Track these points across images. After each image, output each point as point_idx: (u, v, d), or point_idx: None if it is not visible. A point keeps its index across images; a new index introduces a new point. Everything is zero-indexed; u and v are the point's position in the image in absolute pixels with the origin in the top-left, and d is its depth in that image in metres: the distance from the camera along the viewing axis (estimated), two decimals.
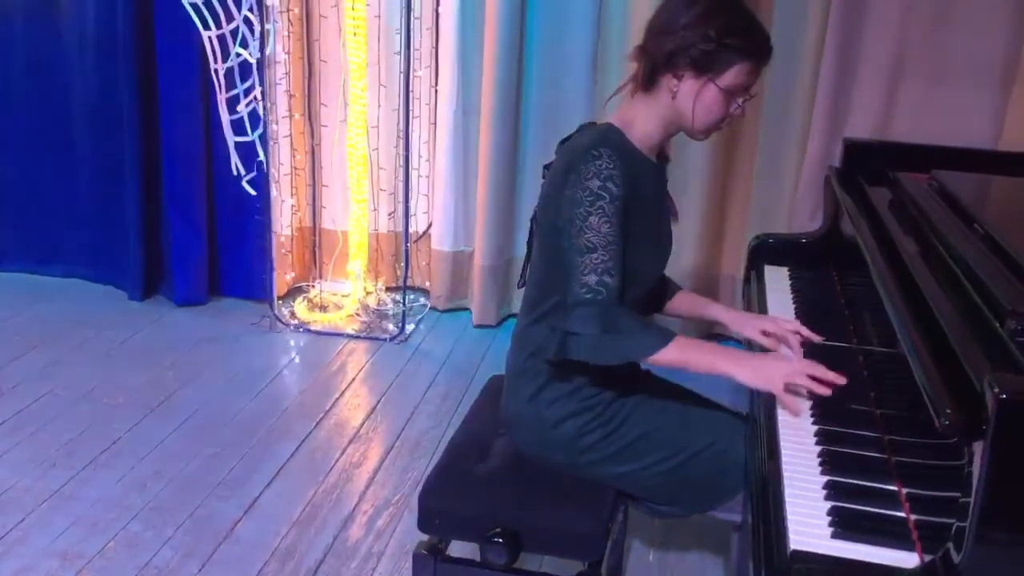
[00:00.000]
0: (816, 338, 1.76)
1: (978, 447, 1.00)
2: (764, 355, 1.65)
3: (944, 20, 3.00)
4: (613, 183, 1.55)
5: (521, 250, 3.72)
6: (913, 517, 1.20)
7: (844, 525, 1.19)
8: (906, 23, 3.04)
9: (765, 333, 1.81)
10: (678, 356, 1.55)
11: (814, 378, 1.50)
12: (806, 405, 1.50)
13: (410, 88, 3.47)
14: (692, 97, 1.62)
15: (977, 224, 1.61)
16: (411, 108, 3.52)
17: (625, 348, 1.55)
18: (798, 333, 1.76)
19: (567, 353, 1.55)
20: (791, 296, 2.10)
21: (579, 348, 1.54)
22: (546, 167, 1.76)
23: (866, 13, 3.06)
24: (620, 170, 1.56)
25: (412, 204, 3.66)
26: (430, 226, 3.87)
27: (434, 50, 3.68)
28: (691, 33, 1.57)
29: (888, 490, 1.26)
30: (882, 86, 3.10)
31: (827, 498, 1.25)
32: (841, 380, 1.48)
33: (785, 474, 1.32)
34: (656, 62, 1.62)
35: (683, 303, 1.99)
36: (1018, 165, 2.21)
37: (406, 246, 3.60)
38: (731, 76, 1.60)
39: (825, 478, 1.30)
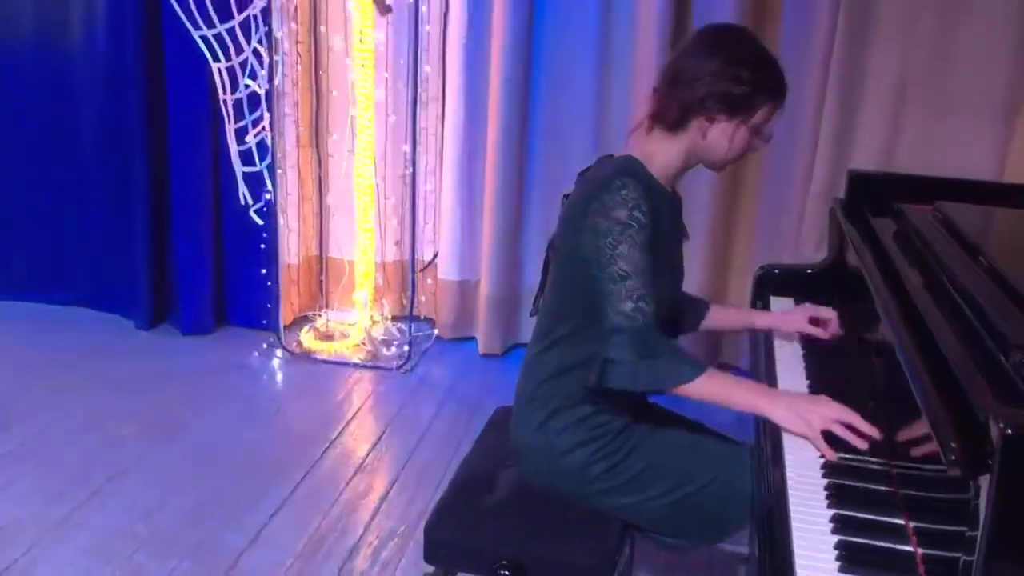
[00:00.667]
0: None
1: (984, 481, 1.00)
2: (801, 396, 1.63)
3: (947, 53, 3.03)
4: (640, 212, 1.59)
5: (527, 280, 3.76)
6: (920, 551, 1.19)
7: (851, 559, 1.18)
8: (909, 55, 3.07)
9: (813, 322, 1.92)
10: (714, 389, 1.57)
11: (849, 427, 1.47)
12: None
13: (417, 119, 3.50)
14: (723, 137, 1.68)
15: (981, 256, 1.61)
16: (418, 138, 3.55)
17: (663, 375, 1.57)
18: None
19: (606, 380, 1.57)
20: None
21: (618, 375, 1.56)
22: (565, 196, 1.79)
23: (869, 45, 3.09)
24: (644, 199, 1.59)
25: (419, 234, 3.68)
26: (436, 256, 3.89)
27: (441, 81, 3.71)
28: (722, 79, 1.63)
29: (895, 524, 1.26)
30: (886, 118, 3.12)
31: (834, 531, 1.25)
32: (876, 434, 1.45)
33: (792, 507, 1.32)
34: (688, 107, 1.66)
35: (722, 316, 2.05)
36: (1022, 197, 2.21)
37: (412, 275, 3.62)
38: (760, 115, 1.68)
39: (832, 511, 1.30)
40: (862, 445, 1.44)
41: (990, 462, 0.98)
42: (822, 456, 1.45)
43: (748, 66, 1.64)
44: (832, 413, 1.49)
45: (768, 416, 1.54)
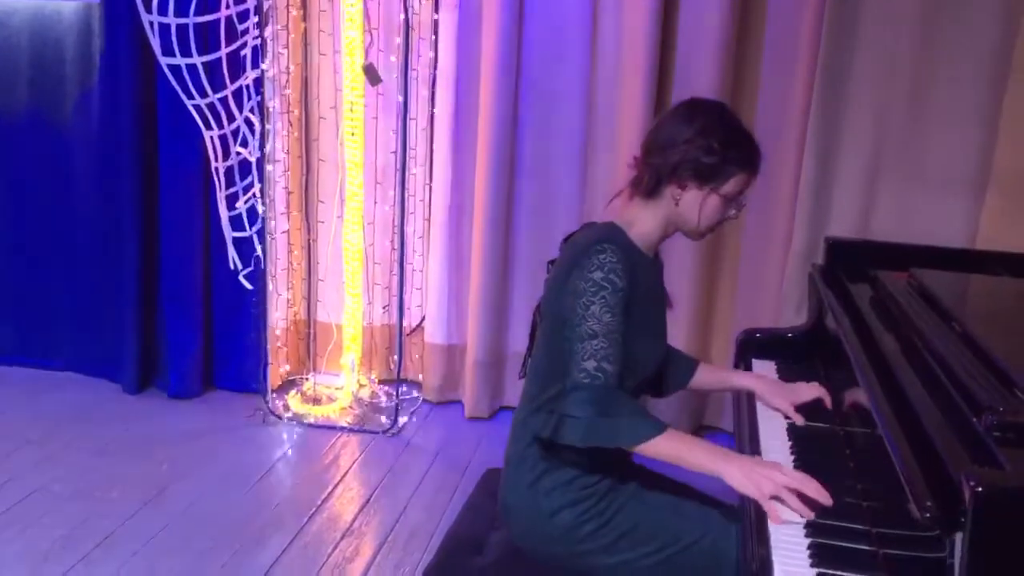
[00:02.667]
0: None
1: (959, 538, 1.04)
2: (757, 460, 1.65)
3: (919, 121, 3.12)
4: (616, 275, 1.64)
5: (514, 344, 3.80)
6: None
7: None
8: (883, 127, 3.16)
9: (797, 408, 1.90)
10: (670, 449, 1.59)
11: (801, 495, 1.50)
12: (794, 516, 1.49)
13: (406, 186, 3.58)
14: (694, 205, 1.75)
15: (955, 322, 1.67)
16: (406, 205, 3.61)
17: (618, 432, 1.59)
18: (821, 399, 1.90)
19: (561, 435, 1.60)
20: None
21: (573, 430, 1.59)
22: (550, 263, 1.85)
23: (845, 120, 3.19)
24: (623, 264, 1.65)
25: (406, 298, 3.72)
26: (423, 319, 3.93)
27: (429, 149, 3.79)
28: (694, 147, 1.70)
29: None
30: (861, 185, 3.21)
31: None
32: (828, 500, 1.48)
33: (776, 566, 1.35)
34: (661, 173, 1.74)
35: (708, 376, 2.08)
36: (994, 264, 2.29)
37: (400, 339, 3.65)
38: (731, 185, 1.74)
39: (816, 571, 1.33)
40: (808, 514, 1.47)
41: (962, 519, 1.03)
42: (807, 527, 1.46)
43: (719, 136, 1.71)
44: (784, 480, 1.51)
45: (721, 477, 1.57)
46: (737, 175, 1.74)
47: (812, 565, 1.35)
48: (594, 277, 1.64)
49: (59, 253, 3.99)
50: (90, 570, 2.56)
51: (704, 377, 2.08)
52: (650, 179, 1.75)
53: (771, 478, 1.52)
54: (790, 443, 1.82)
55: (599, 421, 1.58)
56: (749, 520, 1.55)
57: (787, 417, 1.92)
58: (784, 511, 1.48)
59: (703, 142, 1.70)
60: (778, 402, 1.94)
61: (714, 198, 1.74)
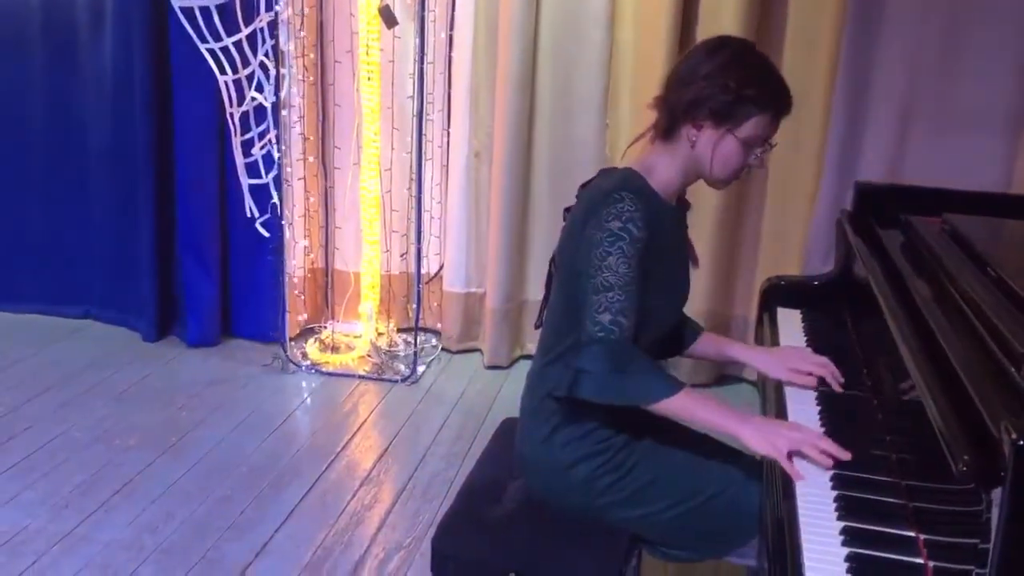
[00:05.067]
0: (837, 388, 1.76)
1: (996, 494, 1.00)
2: (772, 420, 1.62)
3: (953, 64, 3.03)
4: (634, 225, 1.57)
5: (533, 292, 3.76)
6: (931, 564, 1.19)
7: (862, 571, 1.18)
8: (916, 67, 3.07)
9: (793, 371, 1.79)
10: (684, 407, 1.56)
11: (818, 450, 1.46)
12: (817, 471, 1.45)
13: (423, 131, 3.51)
14: (711, 147, 1.65)
15: (990, 268, 1.61)
16: (423, 151, 3.56)
17: (632, 389, 1.55)
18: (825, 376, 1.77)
19: (576, 390, 1.56)
20: (804, 339, 2.09)
21: (587, 385, 1.55)
22: (567, 210, 1.78)
23: (876, 59, 3.10)
24: (641, 213, 1.58)
25: (424, 246, 3.68)
26: (442, 267, 3.89)
27: (447, 94, 3.72)
28: (710, 84, 1.61)
29: (906, 536, 1.25)
30: (893, 130, 3.12)
31: (844, 544, 1.24)
32: (846, 456, 1.44)
33: (801, 519, 1.31)
34: (676, 112, 1.65)
35: (708, 345, 1.99)
36: None
37: (418, 287, 3.61)
38: (749, 127, 1.64)
39: (842, 524, 1.29)
40: (827, 463, 1.44)
41: (1002, 474, 0.98)
42: (832, 478, 1.43)
43: (738, 73, 1.61)
44: (799, 436, 1.48)
45: (736, 436, 1.53)
46: (756, 116, 1.63)
47: (839, 518, 1.31)
48: (611, 227, 1.56)
49: (76, 201, 3.97)
50: (110, 516, 2.57)
51: (704, 347, 1.98)
52: (666, 118, 1.67)
53: (787, 436, 1.48)
54: (815, 394, 1.77)
55: (613, 377, 1.54)
56: (772, 473, 1.51)
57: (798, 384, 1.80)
58: (804, 468, 1.44)
59: (720, 79, 1.60)
60: (776, 373, 1.82)
61: (730, 140, 1.63)
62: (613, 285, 1.55)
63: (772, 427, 1.53)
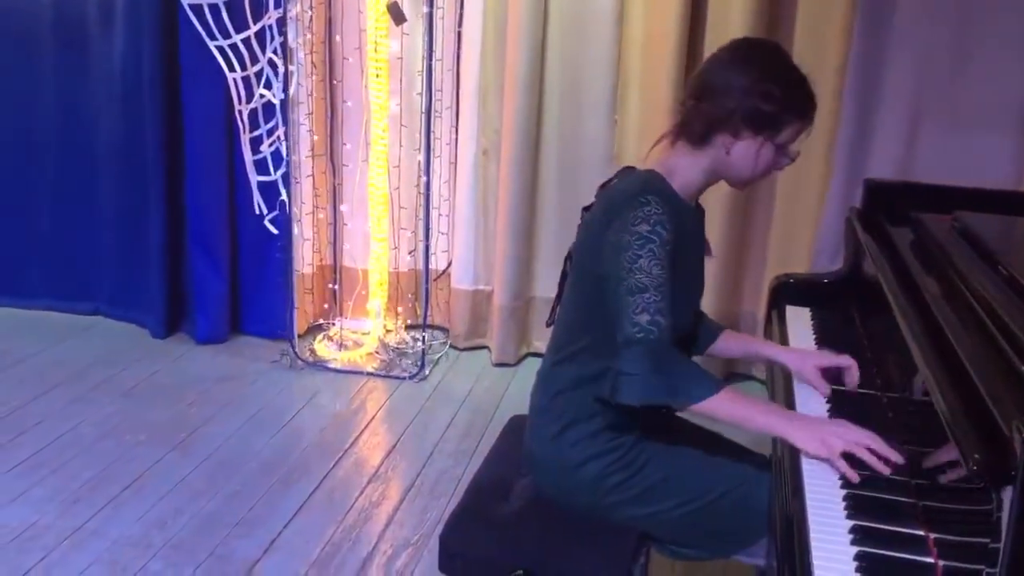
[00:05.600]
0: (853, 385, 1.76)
1: (1007, 493, 0.99)
2: (820, 419, 1.59)
3: (963, 63, 3.01)
4: (662, 227, 1.56)
5: (540, 289, 3.76)
6: (941, 563, 1.18)
7: (871, 570, 1.17)
8: (926, 65, 3.05)
9: (825, 371, 1.78)
10: (729, 409, 1.53)
11: (872, 452, 1.43)
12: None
13: (431, 128, 3.51)
14: (748, 154, 1.65)
15: (1001, 266, 1.60)
16: (432, 148, 3.55)
17: (676, 390, 1.53)
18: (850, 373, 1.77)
19: (619, 394, 1.54)
20: (813, 337, 2.09)
21: (631, 389, 1.52)
22: (585, 209, 1.77)
23: (886, 56, 3.08)
24: (667, 215, 1.57)
25: (432, 243, 3.68)
26: (450, 264, 3.89)
27: (455, 91, 3.72)
28: (751, 94, 1.60)
29: (916, 535, 1.24)
30: (903, 128, 3.11)
31: (853, 543, 1.24)
32: (900, 459, 1.41)
33: (810, 518, 1.30)
34: (714, 121, 1.63)
35: (732, 343, 1.99)
36: None
37: (426, 284, 3.61)
38: (786, 134, 1.65)
39: (851, 522, 1.29)
40: (884, 470, 1.40)
41: (1013, 472, 0.97)
42: (842, 478, 1.41)
43: (779, 83, 1.61)
44: (854, 436, 1.45)
45: (787, 439, 1.50)
46: (794, 123, 1.64)
47: (848, 516, 1.31)
48: (640, 230, 1.55)
49: (86, 198, 3.98)
50: (119, 512, 2.57)
51: (728, 345, 1.97)
52: (701, 126, 1.65)
53: (840, 435, 1.45)
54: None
55: (656, 378, 1.51)
56: (782, 471, 1.51)
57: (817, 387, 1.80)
58: (815, 465, 1.42)
59: (762, 89, 1.59)
60: (808, 371, 1.80)
61: (768, 147, 1.64)
62: (648, 286, 1.54)
63: (823, 427, 1.50)
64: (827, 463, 1.44)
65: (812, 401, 1.72)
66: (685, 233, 1.66)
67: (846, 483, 1.39)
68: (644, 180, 1.66)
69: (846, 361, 1.78)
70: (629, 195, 1.60)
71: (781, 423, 1.52)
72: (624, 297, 1.55)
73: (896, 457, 1.41)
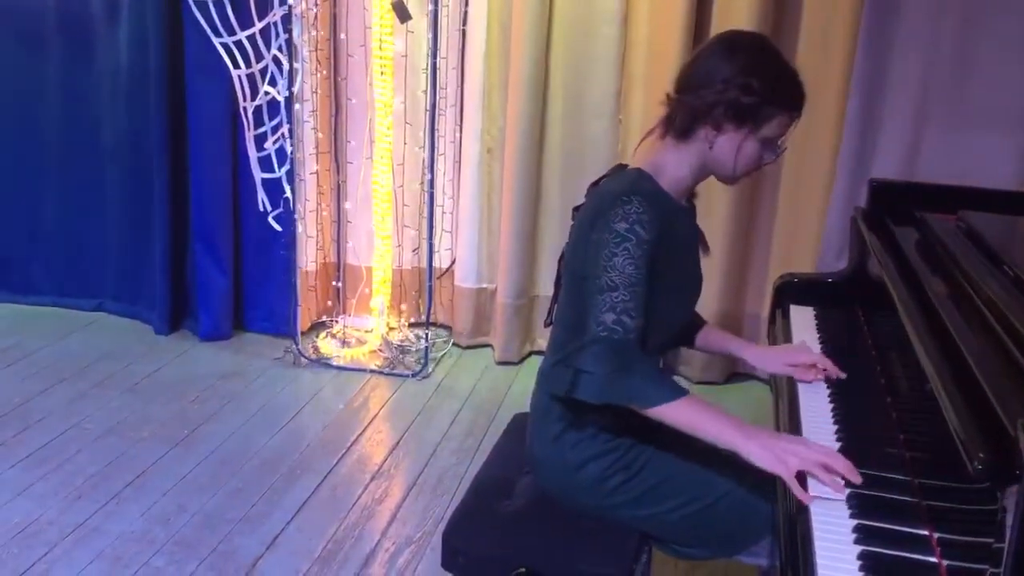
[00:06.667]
0: (838, 374, 1.77)
1: (1011, 493, 0.99)
2: (779, 435, 1.55)
3: (968, 61, 3.01)
4: (641, 227, 1.54)
5: (543, 288, 3.76)
6: (945, 563, 1.18)
7: (874, 570, 1.17)
8: (931, 64, 3.05)
9: (791, 366, 1.80)
10: (686, 417, 1.50)
11: (828, 470, 1.39)
12: (827, 491, 1.38)
13: (435, 126, 3.51)
14: (730, 148, 1.62)
15: (1006, 265, 1.60)
16: (436, 146, 3.55)
17: (633, 392, 1.51)
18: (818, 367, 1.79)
19: (575, 391, 1.52)
20: (817, 336, 2.09)
21: (587, 386, 1.51)
22: (575, 209, 1.76)
23: (891, 56, 3.08)
24: (650, 216, 1.55)
25: (436, 241, 3.68)
26: (453, 263, 3.89)
27: (459, 89, 3.72)
28: (732, 87, 1.57)
29: (919, 535, 1.24)
30: (908, 127, 3.10)
31: (857, 542, 1.24)
32: (857, 478, 1.38)
33: (814, 517, 1.30)
34: (695, 114, 1.61)
35: (709, 338, 1.98)
36: None
37: (429, 282, 3.61)
38: (771, 127, 1.62)
39: (854, 522, 1.29)
40: (840, 490, 1.36)
41: (1018, 472, 0.97)
42: (797, 495, 1.37)
43: (761, 75, 1.58)
44: (809, 454, 1.41)
45: (741, 452, 1.46)
46: (778, 117, 1.61)
47: (851, 516, 1.30)
48: (618, 228, 1.53)
49: (90, 195, 3.99)
50: (122, 508, 2.58)
51: (707, 339, 1.97)
52: (683, 119, 1.63)
53: (796, 453, 1.41)
54: (829, 390, 1.76)
55: (614, 377, 1.50)
56: None
57: (793, 376, 1.81)
58: (814, 488, 1.38)
59: (742, 81, 1.57)
60: (773, 367, 1.84)
61: (752, 141, 1.61)
62: (618, 285, 1.52)
63: (781, 443, 1.45)
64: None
65: (818, 403, 1.72)
66: (676, 233, 1.65)
67: (850, 482, 1.39)
68: (631, 180, 1.63)
69: (818, 360, 1.79)
70: (614, 195, 1.58)
71: (737, 436, 1.46)
72: (594, 295, 1.54)
73: (853, 476, 1.37)
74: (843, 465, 1.39)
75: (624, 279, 1.52)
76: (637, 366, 1.52)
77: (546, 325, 1.85)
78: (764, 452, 1.43)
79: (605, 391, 1.51)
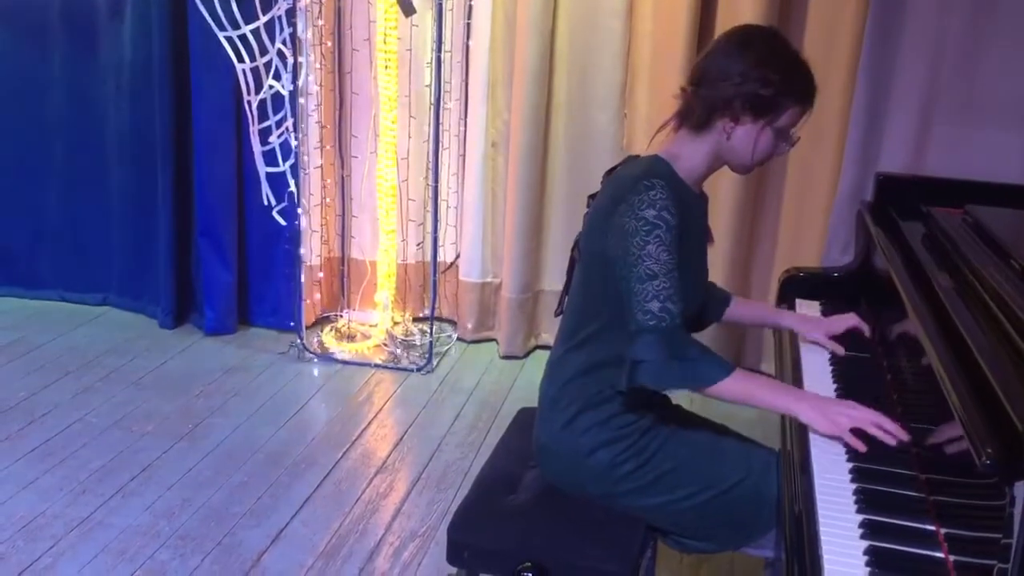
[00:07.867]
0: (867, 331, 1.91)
1: (1019, 488, 0.98)
2: (829, 399, 1.63)
3: (975, 57, 2.99)
4: (668, 212, 1.58)
5: (548, 282, 3.75)
6: (952, 558, 1.18)
7: (881, 565, 1.17)
8: (938, 58, 3.03)
9: (832, 337, 1.91)
10: (742, 389, 1.58)
11: (878, 427, 1.47)
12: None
13: (440, 120, 3.50)
14: (747, 139, 1.66)
15: (1013, 260, 1.59)
16: (440, 140, 3.55)
17: (692, 375, 1.58)
18: (859, 329, 1.92)
19: (635, 381, 1.58)
20: None
21: (646, 374, 1.57)
22: (591, 197, 1.78)
23: (897, 50, 3.06)
24: (672, 200, 1.58)
25: (440, 235, 3.67)
26: (458, 257, 3.89)
27: (464, 83, 3.71)
28: (750, 79, 1.61)
29: (926, 530, 1.24)
30: (914, 121, 3.09)
31: (863, 537, 1.24)
32: (905, 435, 1.45)
33: (820, 512, 1.30)
34: (714, 106, 1.65)
35: (744, 310, 2.05)
36: None
37: (434, 277, 3.61)
38: (786, 118, 1.66)
39: (861, 516, 1.28)
40: (891, 442, 1.45)
41: None
42: (848, 451, 1.45)
43: (776, 68, 1.62)
44: (861, 414, 1.50)
45: (795, 415, 1.56)
46: (793, 107, 1.66)
47: (858, 511, 1.30)
48: (646, 215, 1.57)
49: (94, 189, 3.99)
50: (127, 501, 2.58)
51: (740, 311, 2.03)
52: (701, 112, 1.67)
53: (847, 414, 1.50)
54: (835, 386, 1.76)
55: (672, 363, 1.56)
56: (791, 464, 1.50)
57: (830, 352, 1.90)
58: (824, 460, 1.45)
59: (760, 74, 1.61)
60: (814, 335, 1.94)
61: (768, 132, 1.66)
62: (657, 273, 1.56)
63: (831, 405, 1.54)
64: (838, 441, 1.49)
65: (818, 377, 1.75)
66: (690, 218, 1.68)
67: (857, 477, 1.39)
68: (649, 164, 1.67)
69: (852, 321, 1.92)
70: (635, 178, 1.62)
71: (791, 401, 1.57)
72: (634, 285, 1.57)
73: (902, 434, 1.45)
74: (889, 423, 1.47)
75: (661, 267, 1.57)
76: (690, 348, 1.59)
77: (557, 315, 1.87)
78: (816, 414, 1.53)
79: (664, 377, 1.58)
